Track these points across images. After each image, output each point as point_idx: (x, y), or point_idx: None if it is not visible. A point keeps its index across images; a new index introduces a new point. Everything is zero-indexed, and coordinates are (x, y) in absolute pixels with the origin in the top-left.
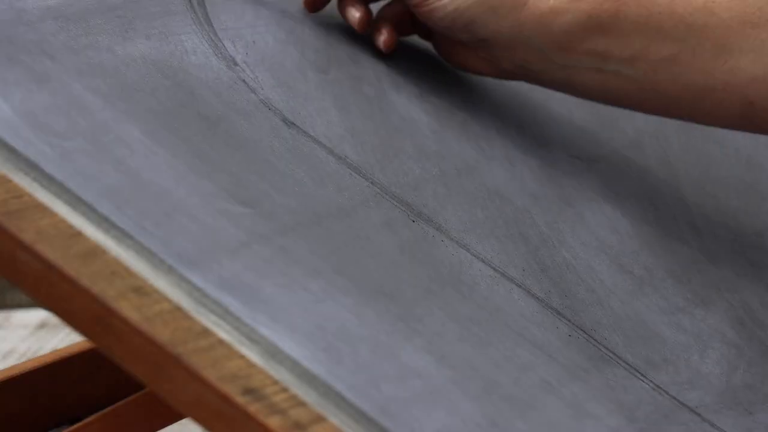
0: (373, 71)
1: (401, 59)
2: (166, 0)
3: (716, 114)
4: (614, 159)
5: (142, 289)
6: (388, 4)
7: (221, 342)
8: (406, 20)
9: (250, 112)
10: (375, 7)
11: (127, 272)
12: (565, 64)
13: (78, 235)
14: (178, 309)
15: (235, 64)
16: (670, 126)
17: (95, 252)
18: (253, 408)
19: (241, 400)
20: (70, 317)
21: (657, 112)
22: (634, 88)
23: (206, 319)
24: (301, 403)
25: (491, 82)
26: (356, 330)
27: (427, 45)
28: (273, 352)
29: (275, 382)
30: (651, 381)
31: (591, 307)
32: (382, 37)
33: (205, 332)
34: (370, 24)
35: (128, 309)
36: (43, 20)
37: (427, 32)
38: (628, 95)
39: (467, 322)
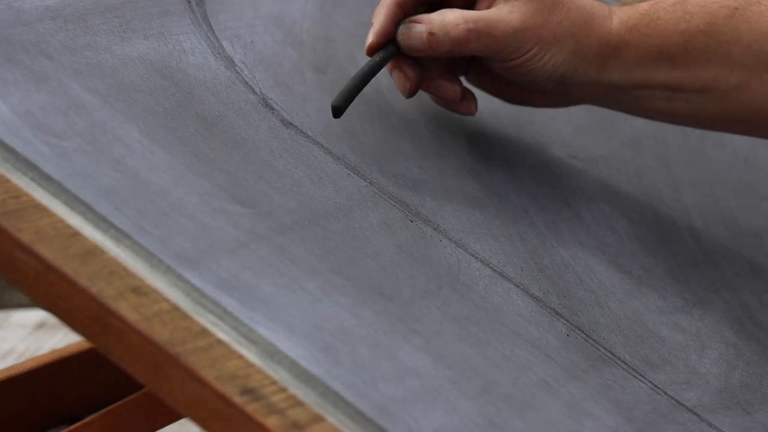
0: None
1: None
2: (165, 0)
3: None
4: (613, 159)
5: (140, 289)
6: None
7: (219, 342)
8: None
9: (248, 112)
10: None
11: (126, 272)
12: (638, 95)
13: (76, 234)
14: (176, 309)
15: (234, 64)
16: (669, 127)
17: (94, 252)
18: (252, 408)
19: (239, 399)
20: (69, 317)
21: (727, 131)
22: (705, 115)
23: (204, 319)
24: (300, 403)
25: None
26: (354, 330)
27: None
28: (271, 352)
29: (273, 382)
30: (649, 381)
31: (589, 307)
32: (473, 104)
33: (204, 332)
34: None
35: (127, 309)
36: (41, 20)
37: (481, 80)
38: (698, 119)
39: (465, 321)
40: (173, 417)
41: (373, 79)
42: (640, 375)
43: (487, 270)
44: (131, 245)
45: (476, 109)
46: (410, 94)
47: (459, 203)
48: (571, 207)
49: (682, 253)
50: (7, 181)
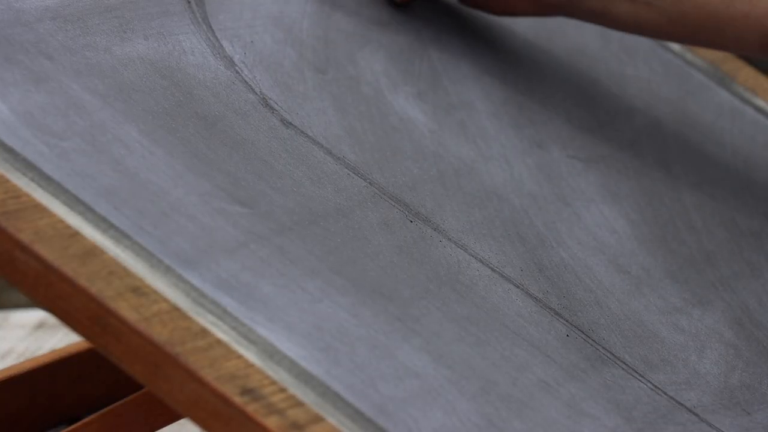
0: (371, 71)
1: (399, 59)
2: (164, 0)
3: (738, 43)
4: (612, 159)
5: (140, 289)
6: None
7: (219, 342)
8: None
9: (247, 112)
10: None
11: (125, 272)
12: None
13: (76, 235)
14: (176, 309)
15: (233, 64)
16: (668, 127)
17: (93, 252)
18: (251, 408)
19: (239, 400)
20: (68, 317)
21: (684, 40)
22: (664, 19)
23: (204, 319)
24: (299, 403)
25: (489, 81)
26: (354, 330)
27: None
28: (271, 352)
29: (273, 382)
30: (649, 381)
31: (589, 307)
32: None
33: (203, 332)
34: None
35: (126, 309)
36: (41, 21)
37: None
38: (658, 25)
39: (465, 321)
40: (173, 417)
41: (373, 80)
42: (640, 375)
43: (487, 270)
44: (131, 245)
45: None
46: None
47: (458, 204)
48: (570, 207)
49: (682, 253)
50: (7, 181)
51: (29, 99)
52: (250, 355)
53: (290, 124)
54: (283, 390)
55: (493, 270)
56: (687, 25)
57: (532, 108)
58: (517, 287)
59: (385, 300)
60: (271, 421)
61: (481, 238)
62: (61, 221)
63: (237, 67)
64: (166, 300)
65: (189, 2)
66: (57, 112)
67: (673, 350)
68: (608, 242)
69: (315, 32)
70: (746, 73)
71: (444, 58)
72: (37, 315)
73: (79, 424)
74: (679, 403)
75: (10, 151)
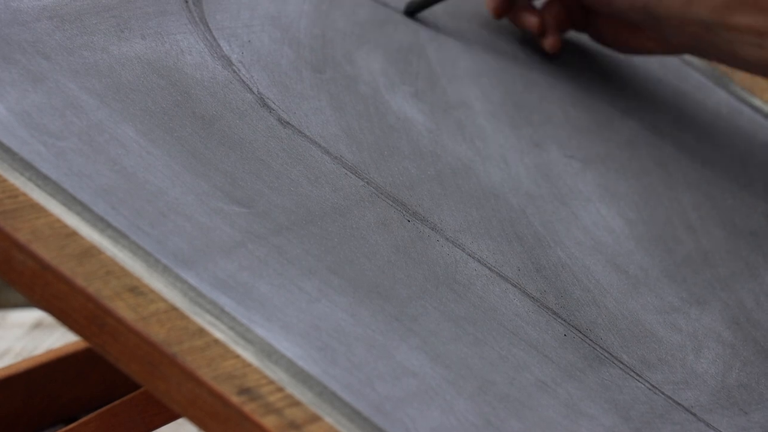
0: (368, 71)
1: (397, 59)
2: (162, 0)
3: None
4: (610, 159)
5: (137, 289)
6: (547, 8)
7: (216, 341)
8: (566, 18)
9: (245, 112)
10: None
11: (123, 272)
12: (729, 39)
13: (73, 234)
14: (173, 308)
15: (231, 63)
16: (666, 127)
17: (90, 252)
18: (249, 408)
19: (236, 399)
20: (65, 317)
21: None
22: None
23: (201, 319)
24: (297, 403)
25: (487, 81)
26: (351, 329)
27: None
28: (268, 352)
29: (271, 382)
30: (646, 380)
31: (586, 307)
32: (550, 40)
33: (201, 332)
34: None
35: (123, 308)
36: (38, 20)
37: (586, 23)
38: None
39: (462, 321)
40: (170, 417)
41: (370, 80)
42: (637, 375)
43: (484, 270)
44: (128, 245)
45: (555, 47)
46: (498, 15)
47: (456, 203)
48: (568, 207)
49: (679, 253)
50: (4, 180)
51: (26, 98)
52: (248, 354)
53: (288, 123)
54: (280, 389)
55: (490, 269)
56: None
57: (530, 108)
58: (515, 287)
59: (382, 299)
60: (268, 421)
61: (479, 237)
62: (59, 221)
63: (234, 67)
64: (163, 300)
65: (186, 2)
66: (54, 112)
67: (671, 350)
68: (606, 242)
69: (312, 32)
70: (743, 72)
71: (442, 57)
72: (34, 314)
73: (76, 423)
74: (677, 403)
75: (8, 150)
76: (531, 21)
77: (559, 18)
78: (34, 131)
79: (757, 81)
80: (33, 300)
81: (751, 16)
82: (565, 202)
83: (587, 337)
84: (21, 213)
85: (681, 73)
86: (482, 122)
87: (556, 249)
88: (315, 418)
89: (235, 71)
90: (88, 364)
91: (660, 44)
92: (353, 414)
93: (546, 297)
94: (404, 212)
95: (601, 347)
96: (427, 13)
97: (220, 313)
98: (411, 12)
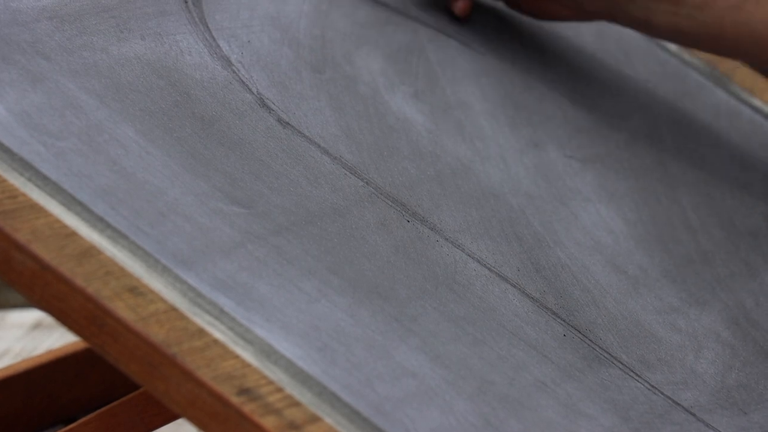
0: (368, 71)
1: (396, 59)
2: (161, 0)
3: None
4: (609, 159)
5: (136, 289)
6: None
7: (216, 342)
8: None
9: (244, 112)
10: None
11: (122, 272)
12: (645, 5)
13: (73, 235)
14: (173, 309)
15: (230, 64)
16: (665, 127)
17: (90, 252)
18: (248, 408)
19: (236, 400)
20: (65, 317)
21: (722, 53)
22: (704, 32)
23: (201, 319)
24: (296, 403)
25: (486, 81)
26: (351, 330)
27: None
28: (268, 352)
29: (270, 382)
30: (646, 381)
31: (586, 307)
32: (459, 4)
33: (200, 332)
34: None
35: (123, 309)
36: (38, 21)
37: None
38: (697, 37)
39: (462, 321)
40: (169, 417)
41: (370, 80)
42: (637, 375)
43: (484, 270)
44: (128, 245)
45: (465, 11)
46: None
47: (456, 203)
48: (567, 207)
49: (679, 253)
50: (4, 180)
51: (26, 99)
52: (247, 355)
53: (287, 123)
54: (280, 390)
55: (490, 270)
56: (725, 41)
57: (529, 108)
58: (514, 287)
59: (382, 300)
60: (268, 421)
61: (478, 237)
62: (58, 221)
63: (234, 67)
64: (163, 300)
65: (186, 2)
66: (54, 112)
67: (670, 350)
68: (605, 242)
69: (312, 32)
70: (743, 72)
71: (441, 58)
72: (33, 315)
73: (75, 424)
74: (676, 403)
75: (7, 150)
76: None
77: None
78: (34, 131)
79: (757, 81)
80: (32, 300)
81: None
82: (564, 202)
83: (586, 337)
84: (21, 213)
85: (680, 73)
86: (482, 122)
87: (556, 249)
88: (314, 419)
89: (234, 71)
90: (88, 364)
91: (575, 12)
92: (353, 414)
93: (545, 297)
94: (404, 212)
95: (600, 347)
96: (427, 14)
97: (219, 314)
98: None
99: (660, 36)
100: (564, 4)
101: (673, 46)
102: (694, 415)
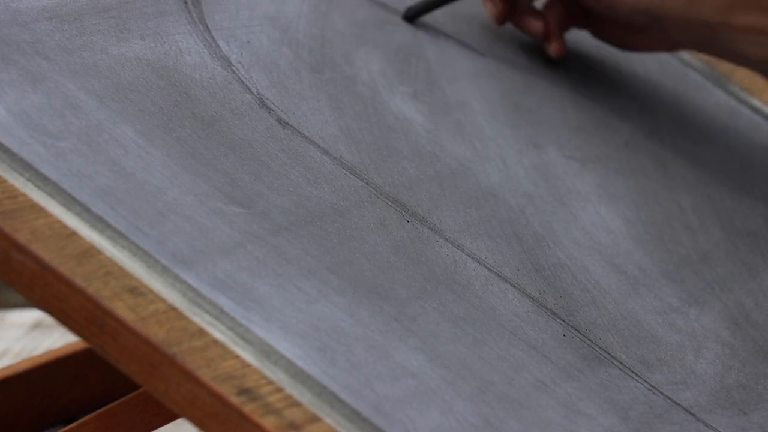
0: (367, 71)
1: (396, 59)
2: (161, 0)
3: None
4: (609, 160)
5: (136, 289)
6: (548, 8)
7: (216, 342)
8: (565, 18)
9: (244, 112)
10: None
11: (122, 272)
12: (732, 38)
13: (72, 235)
14: (172, 309)
15: (230, 64)
16: (664, 127)
17: (90, 252)
18: (248, 408)
19: (235, 400)
20: (65, 317)
21: None
22: None
23: (201, 319)
24: (296, 403)
25: (485, 81)
26: (350, 330)
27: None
28: (268, 352)
29: (270, 382)
30: (645, 381)
31: (585, 307)
32: (554, 46)
33: (200, 332)
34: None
35: (123, 309)
36: (37, 21)
37: (587, 23)
38: None
39: (461, 321)
40: (169, 417)
41: (369, 80)
42: (637, 375)
43: (484, 270)
44: (127, 245)
45: (560, 52)
46: (500, 22)
47: (455, 203)
48: (567, 207)
49: (678, 253)
50: (4, 181)
51: (26, 99)
52: (247, 355)
53: (287, 124)
54: (279, 390)
55: (489, 270)
56: None
57: (528, 108)
58: (514, 287)
59: (381, 300)
60: (268, 421)
61: (478, 237)
62: (58, 221)
63: (234, 67)
64: (162, 300)
65: (185, 2)
66: (54, 113)
67: (670, 350)
68: (605, 242)
69: (311, 32)
70: (742, 73)
71: (440, 58)
72: (33, 315)
73: (75, 424)
74: (676, 403)
75: (7, 151)
76: (535, 26)
77: (561, 19)
78: (34, 132)
79: (756, 81)
80: (33, 300)
81: (754, 15)
82: (563, 202)
83: (586, 337)
84: (20, 213)
85: (680, 73)
86: (481, 123)
87: (555, 249)
88: (314, 419)
89: (234, 72)
90: (88, 364)
91: (663, 43)
92: (353, 414)
93: (545, 297)
94: (403, 213)
95: (600, 347)
96: (427, 15)
97: (219, 314)
98: (410, 17)
99: (749, 66)
100: (652, 36)
101: None
102: (693, 415)
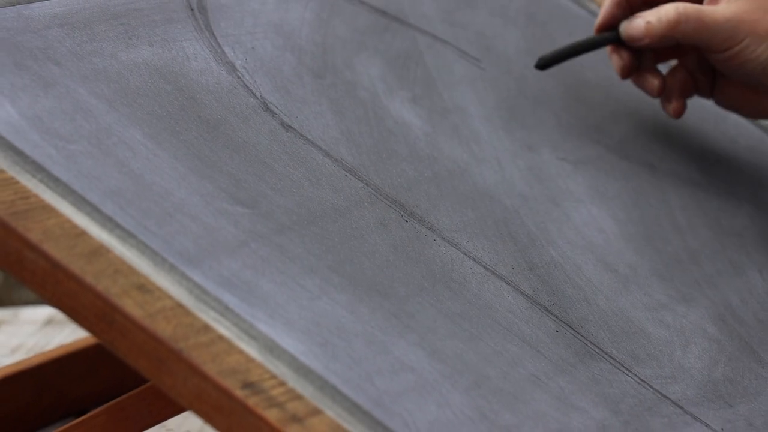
0: (367, 76)
1: (395, 65)
2: (168, 8)
3: None
4: (600, 161)
5: (144, 287)
6: (672, 73)
7: (221, 338)
8: (690, 84)
9: (248, 116)
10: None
11: (131, 270)
12: None
13: (83, 234)
14: (179, 306)
15: (235, 69)
16: (654, 130)
17: (99, 251)
18: (252, 401)
19: (240, 393)
20: (76, 314)
21: None
22: None
23: (206, 316)
24: (298, 397)
25: (482, 86)
26: (351, 326)
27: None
28: (271, 348)
29: (273, 376)
30: (635, 375)
31: (578, 304)
32: (674, 105)
33: (206, 328)
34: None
35: (131, 306)
36: (49, 28)
37: (712, 89)
38: None
39: (458, 318)
40: (176, 410)
41: (369, 85)
42: (627, 369)
43: (480, 268)
44: (136, 244)
45: (679, 112)
46: (624, 75)
47: (452, 204)
48: (560, 208)
49: (667, 252)
50: (17, 182)
51: (38, 103)
52: (251, 350)
53: (290, 127)
54: (282, 384)
55: (485, 268)
56: None
57: (523, 112)
58: (509, 285)
59: (381, 297)
60: (271, 414)
61: (474, 237)
62: (69, 221)
63: (238, 73)
64: (170, 297)
65: (192, 10)
66: (65, 116)
67: (659, 345)
68: (596, 241)
69: (314, 39)
70: None
71: (438, 64)
72: (45, 311)
73: (85, 416)
74: (665, 396)
75: (20, 153)
76: (653, 84)
77: (683, 83)
78: (45, 135)
79: None
80: (44, 298)
81: None
82: (557, 203)
83: (578, 333)
84: (33, 214)
85: None
86: (477, 126)
87: (549, 248)
88: (316, 412)
89: (239, 77)
90: (98, 359)
91: None
92: (353, 407)
93: (539, 294)
94: (402, 213)
95: (591, 343)
96: (425, 21)
97: (224, 310)
98: (542, 66)
99: None
100: None
101: None
102: (681, 408)
